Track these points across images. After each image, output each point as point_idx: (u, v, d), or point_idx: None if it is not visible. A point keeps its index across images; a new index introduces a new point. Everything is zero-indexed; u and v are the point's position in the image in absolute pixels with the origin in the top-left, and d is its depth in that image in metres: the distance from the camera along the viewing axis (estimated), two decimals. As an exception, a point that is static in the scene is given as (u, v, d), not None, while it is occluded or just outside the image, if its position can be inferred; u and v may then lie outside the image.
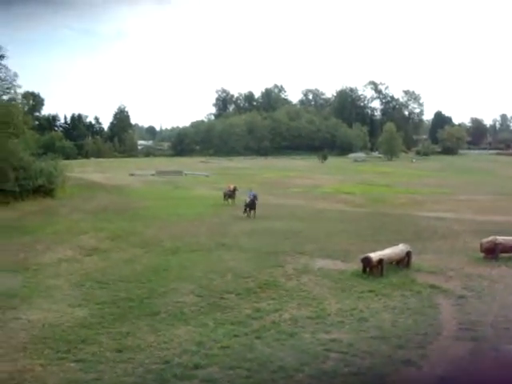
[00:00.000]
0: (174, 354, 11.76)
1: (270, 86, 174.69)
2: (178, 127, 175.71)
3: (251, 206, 34.12)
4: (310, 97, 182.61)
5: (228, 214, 34.80)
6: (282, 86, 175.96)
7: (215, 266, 20.34)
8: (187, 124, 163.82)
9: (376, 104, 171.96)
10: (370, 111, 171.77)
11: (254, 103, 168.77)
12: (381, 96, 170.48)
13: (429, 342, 12.59)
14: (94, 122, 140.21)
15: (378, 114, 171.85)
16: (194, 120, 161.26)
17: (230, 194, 40.48)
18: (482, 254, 22.01)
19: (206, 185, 56.22)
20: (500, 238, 22.05)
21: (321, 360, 11.45)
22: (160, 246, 24.29)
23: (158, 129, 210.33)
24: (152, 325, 13.89)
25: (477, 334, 13.15)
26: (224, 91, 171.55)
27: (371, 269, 18.79)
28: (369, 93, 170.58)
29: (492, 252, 21.76)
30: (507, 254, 22.00)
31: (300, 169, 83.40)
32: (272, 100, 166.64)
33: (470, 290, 17.31)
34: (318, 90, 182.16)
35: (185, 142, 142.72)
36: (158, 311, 15.03)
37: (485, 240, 22.18)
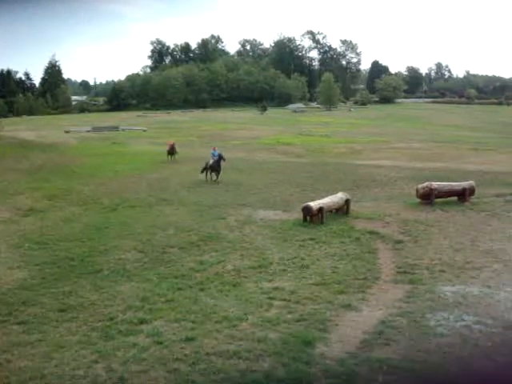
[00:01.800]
0: (118, 311, 11.72)
1: (206, 36, 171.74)
2: (112, 81, 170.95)
3: (215, 168, 29.69)
4: (248, 47, 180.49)
5: (168, 169, 34.42)
6: (218, 37, 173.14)
7: (156, 221, 20.23)
8: (122, 77, 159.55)
9: (314, 54, 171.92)
10: (308, 61, 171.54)
11: (191, 55, 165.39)
12: (319, 46, 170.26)
13: (368, 286, 13.03)
14: (24, 77, 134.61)
15: (316, 64, 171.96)
16: (130, 73, 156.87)
17: (170, 150, 38.29)
18: (418, 200, 22.71)
19: (143, 140, 55.25)
20: (435, 184, 22.78)
21: (264, 308, 11.68)
22: (99, 204, 23.89)
23: (92, 83, 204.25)
24: (94, 283, 13.76)
25: (414, 277, 13.69)
26: (159, 43, 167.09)
27: (311, 217, 19.12)
28: (307, 43, 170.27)
29: (427, 197, 22.47)
30: (442, 199, 22.79)
31: (239, 121, 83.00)
32: (209, 51, 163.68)
33: (406, 234, 17.90)
34: (256, 41, 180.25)
35: (120, 97, 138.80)
36: (100, 269, 14.88)
37: (420, 186, 22.86)
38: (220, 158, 29.83)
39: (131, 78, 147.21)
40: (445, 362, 9.37)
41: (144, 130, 66.95)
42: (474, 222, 19.64)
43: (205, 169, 30.10)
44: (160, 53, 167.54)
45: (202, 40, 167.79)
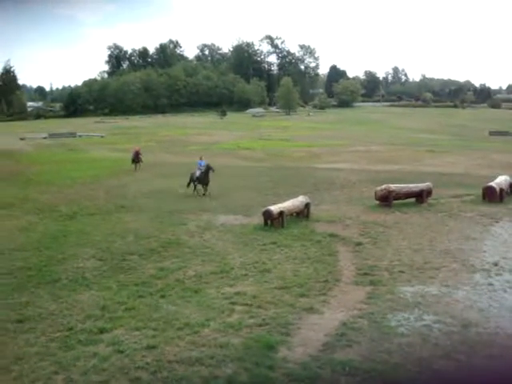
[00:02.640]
0: (77, 321, 11.49)
1: (164, 41, 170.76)
2: (69, 87, 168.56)
3: (203, 180, 27.15)
4: (207, 52, 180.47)
5: (127, 176, 34.03)
6: (177, 42, 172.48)
7: (115, 229, 19.94)
8: (79, 83, 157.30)
9: (273, 59, 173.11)
10: (267, 66, 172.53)
11: (149, 60, 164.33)
12: (277, 51, 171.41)
13: (329, 289, 13.11)
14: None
15: (274, 68, 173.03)
16: (87, 79, 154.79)
17: (134, 158, 36.08)
18: (376, 202, 23.01)
19: (102, 146, 54.56)
20: (393, 186, 23.12)
21: (226, 314, 11.61)
22: (56, 212, 23.40)
23: (48, 89, 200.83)
24: (53, 292, 13.45)
25: (374, 279, 13.83)
26: (117, 47, 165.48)
27: (272, 221, 19.16)
28: (265, 47, 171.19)
29: (386, 199, 22.78)
30: (400, 201, 23.15)
31: (199, 126, 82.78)
32: (167, 56, 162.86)
33: (366, 236, 18.11)
34: (215, 45, 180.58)
35: (78, 102, 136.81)
36: (58, 278, 14.54)
37: (379, 188, 23.17)
38: (208, 168, 27.32)
39: (88, 84, 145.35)
40: (406, 362, 9.47)
41: (102, 136, 66.14)
42: (431, 223, 19.99)
43: (191, 181, 27.64)
44: (117, 58, 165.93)
45: (160, 45, 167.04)
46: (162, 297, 12.84)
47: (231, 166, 37.40)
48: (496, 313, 11.85)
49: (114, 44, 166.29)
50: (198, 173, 27.47)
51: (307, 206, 20.82)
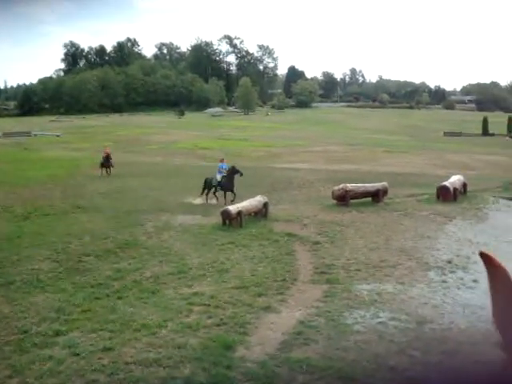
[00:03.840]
0: (32, 323, 11.24)
1: (122, 39, 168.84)
2: (24, 84, 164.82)
3: (227, 187, 24.06)
4: (165, 51, 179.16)
5: (84, 175, 33.52)
6: (135, 40, 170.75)
7: (71, 229, 19.60)
8: (34, 81, 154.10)
9: (231, 58, 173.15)
10: (225, 66, 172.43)
11: (106, 58, 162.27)
12: (236, 50, 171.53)
13: (287, 288, 13.18)
14: None
15: (233, 68, 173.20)
16: (42, 76, 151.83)
17: (104, 162, 33.19)
18: (334, 201, 23.24)
19: (57, 145, 53.64)
20: (350, 186, 23.40)
21: (184, 314, 11.55)
22: (10, 213, 22.86)
23: (2, 86, 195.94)
24: (7, 295, 13.13)
25: (331, 277, 13.98)
26: (73, 45, 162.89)
27: (231, 221, 19.16)
28: (224, 47, 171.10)
29: (343, 199, 23.04)
30: (357, 200, 23.44)
31: (157, 125, 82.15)
32: (125, 54, 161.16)
33: (323, 235, 18.26)
34: (173, 44, 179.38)
35: (33, 101, 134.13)
36: (12, 280, 14.20)
37: (336, 188, 23.41)
38: (233, 172, 24.06)
39: (44, 82, 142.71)
40: (362, 359, 9.60)
41: (58, 136, 65.02)
42: (387, 222, 20.31)
43: (206, 188, 24.38)
44: (74, 56, 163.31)
45: (118, 43, 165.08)
46: (119, 298, 12.68)
47: (189, 166, 37.28)
48: (450, 309, 12.13)
49: (71, 42, 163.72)
50: (218, 177, 24.41)
51: (265, 205, 20.90)
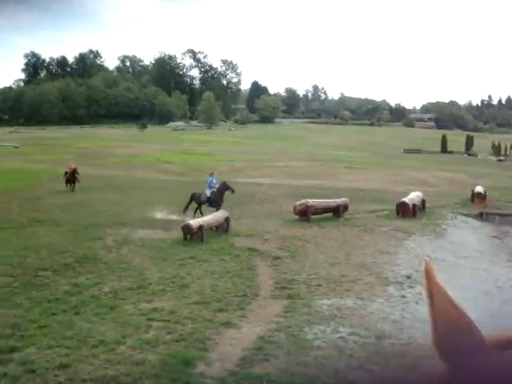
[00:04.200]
0: (-14, 340, 10.93)
1: (84, 50, 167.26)
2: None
3: (216, 202, 22.92)
4: (128, 63, 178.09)
5: (42, 187, 32.87)
6: (97, 52, 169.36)
7: (28, 243, 19.12)
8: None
9: (195, 73, 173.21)
10: (189, 80, 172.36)
11: (68, 69, 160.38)
12: (199, 65, 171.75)
13: (248, 303, 13.13)
14: None
15: (197, 82, 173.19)
16: (1, 86, 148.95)
17: (69, 178, 31.16)
18: (295, 216, 23.34)
19: (16, 157, 52.49)
20: (311, 201, 23.55)
21: (143, 330, 11.39)
22: (-36, 226, 22.23)
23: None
24: (-41, 312, 12.75)
25: (292, 292, 13.98)
26: (34, 55, 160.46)
27: (191, 236, 19.02)
28: (187, 61, 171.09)
29: (304, 214, 23.16)
30: (318, 216, 23.59)
31: (119, 138, 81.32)
32: (87, 66, 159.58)
33: (285, 250, 18.29)
34: (136, 57, 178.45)
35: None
36: (-35, 295, 13.82)
37: (298, 203, 23.53)
38: (225, 188, 23.25)
39: (3, 92, 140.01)
40: (322, 374, 9.61)
41: (16, 147, 63.69)
42: (348, 237, 20.48)
43: (192, 202, 23.33)
44: (35, 66, 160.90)
45: (80, 54, 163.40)
46: (76, 314, 12.42)
47: (151, 180, 36.97)
48: (408, 324, 12.26)
49: (32, 52, 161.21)
50: (207, 192, 23.20)
51: (227, 220, 20.84)
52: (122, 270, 16.00)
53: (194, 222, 19.24)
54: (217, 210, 22.24)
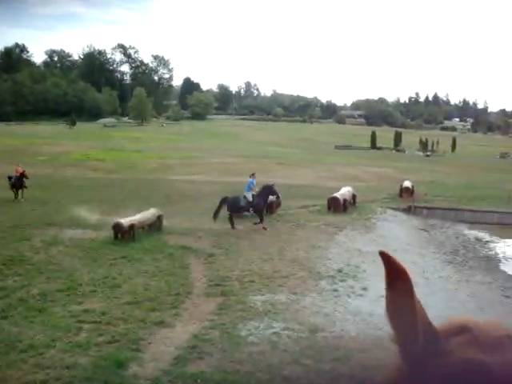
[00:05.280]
0: None
1: (10, 45, 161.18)
2: None
3: (257, 206, 20.90)
4: (56, 58, 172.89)
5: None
6: (24, 46, 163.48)
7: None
8: None
9: (125, 68, 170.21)
10: (119, 75, 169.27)
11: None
12: (130, 60, 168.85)
13: (181, 302, 13.03)
14: None
15: (127, 78, 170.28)
16: None
17: (15, 182, 26.88)
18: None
19: None
20: (244, 198, 23.53)
21: (73, 333, 11.10)
22: None
23: None
24: None
25: (225, 289, 13.98)
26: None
27: (123, 235, 18.67)
28: (118, 56, 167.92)
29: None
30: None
31: (46, 135, 78.83)
32: (13, 61, 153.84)
33: (218, 247, 18.28)
34: (64, 52, 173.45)
35: None
36: None
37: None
38: (270, 192, 21.24)
39: None
40: (256, 370, 9.65)
41: None
42: (280, 233, 20.66)
43: (221, 208, 20.81)
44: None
45: (5, 48, 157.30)
46: (4, 318, 11.97)
47: (80, 178, 36.10)
48: (341, 317, 12.51)
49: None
50: (248, 195, 20.94)
51: (159, 218, 20.58)
52: (50, 271, 15.53)
53: (125, 221, 18.88)
54: (260, 220, 20.61)
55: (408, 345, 0.86)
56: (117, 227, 18.70)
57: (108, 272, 15.36)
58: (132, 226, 18.82)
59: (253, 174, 21.95)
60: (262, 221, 20.63)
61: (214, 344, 10.58)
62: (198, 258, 16.96)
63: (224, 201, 20.99)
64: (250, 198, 20.82)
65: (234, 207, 20.95)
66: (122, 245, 18.23)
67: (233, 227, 20.59)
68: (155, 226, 20.39)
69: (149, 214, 20.43)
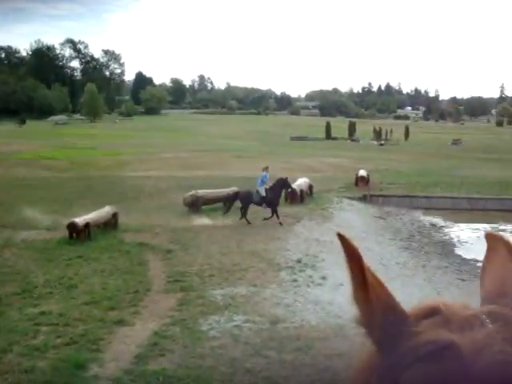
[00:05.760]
0: None
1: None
2: None
3: (271, 201, 20.49)
4: (3, 55, 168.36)
5: None
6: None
7: None
8: None
9: (76, 64, 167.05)
10: (69, 71, 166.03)
11: None
12: (80, 56, 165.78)
13: (140, 299, 12.89)
14: None
15: (78, 74, 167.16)
16: None
17: None
18: (186, 208, 23.18)
19: None
20: (201, 192, 23.51)
21: (31, 336, 10.86)
22: None
23: None
24: None
25: (185, 285, 13.89)
26: None
27: (78, 234, 18.31)
28: (67, 52, 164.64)
29: (194, 205, 23.06)
30: (209, 206, 23.58)
31: (-5, 135, 76.90)
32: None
33: (176, 243, 18.14)
34: (12, 48, 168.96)
35: None
36: None
37: (187, 194, 23.39)
38: (283, 184, 20.89)
39: None
40: (219, 364, 9.63)
41: None
42: (239, 226, 20.62)
43: (233, 203, 20.93)
44: None
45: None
46: (-43, 324, 11.64)
47: (32, 177, 35.22)
48: (301, 307, 12.60)
49: None
50: (261, 190, 20.47)
51: (115, 215, 20.27)
52: (4, 274, 15.14)
53: (80, 220, 18.51)
54: (273, 213, 20.18)
55: (373, 327, 0.86)
56: (71, 227, 18.32)
57: (64, 273, 15.06)
58: (87, 225, 18.47)
59: (266, 168, 21.54)
60: (277, 216, 20.09)
61: (175, 340, 10.51)
62: (156, 255, 16.80)
63: (236, 195, 21.03)
64: (263, 193, 20.44)
65: (246, 202, 20.58)
66: (77, 244, 17.88)
67: (248, 222, 20.36)
68: (111, 223, 20.07)
69: (104, 211, 20.09)
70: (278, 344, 10.51)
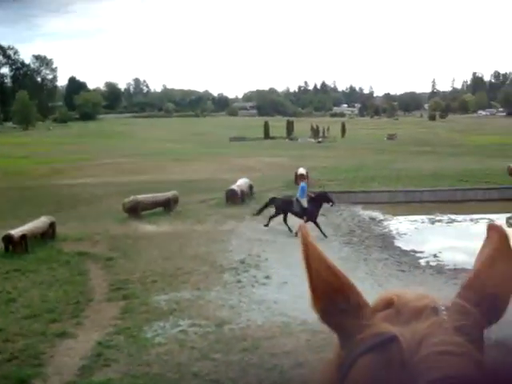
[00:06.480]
0: None
1: None
2: None
3: (311, 214, 19.49)
4: None
5: None
6: None
7: None
8: None
9: (5, 70, 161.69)
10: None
11: None
12: (10, 62, 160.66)
13: (82, 310, 12.63)
14: None
15: (8, 81, 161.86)
16: None
17: None
18: (125, 214, 22.85)
19: None
20: (140, 197, 23.25)
21: (-32, 354, 10.46)
22: None
23: None
24: None
25: (127, 292, 13.70)
26: None
27: (14, 247, 17.74)
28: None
29: (134, 211, 22.76)
30: (149, 211, 23.33)
31: None
32: None
33: (116, 250, 17.86)
34: None
35: None
36: None
37: (126, 200, 23.07)
38: (324, 199, 19.91)
39: None
40: (165, 371, 9.54)
41: None
42: (180, 230, 20.51)
43: (266, 208, 20.43)
44: None
45: None
46: None
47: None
48: (246, 307, 12.63)
49: None
50: (304, 202, 19.64)
51: (52, 225, 19.75)
52: None
53: (16, 232, 17.94)
54: (317, 226, 19.09)
55: (334, 321, 0.90)
56: (7, 239, 17.73)
57: (1, 287, 14.56)
58: (24, 237, 17.91)
59: (303, 177, 21.10)
60: (321, 230, 19.05)
61: (119, 349, 10.35)
62: (96, 264, 16.47)
63: (271, 200, 20.64)
64: (305, 205, 19.68)
65: (284, 210, 20.05)
66: (14, 257, 17.31)
67: (289, 229, 19.43)
68: (48, 234, 19.53)
69: (40, 222, 19.53)
70: (225, 346, 10.50)
